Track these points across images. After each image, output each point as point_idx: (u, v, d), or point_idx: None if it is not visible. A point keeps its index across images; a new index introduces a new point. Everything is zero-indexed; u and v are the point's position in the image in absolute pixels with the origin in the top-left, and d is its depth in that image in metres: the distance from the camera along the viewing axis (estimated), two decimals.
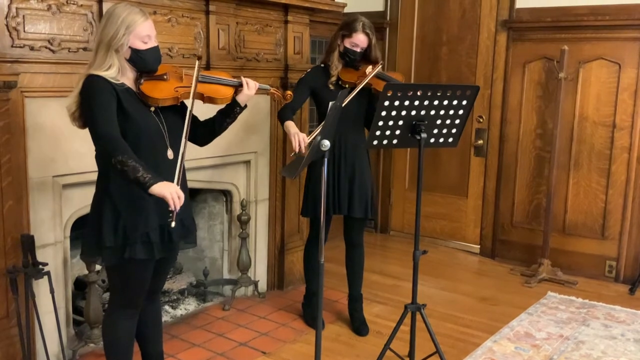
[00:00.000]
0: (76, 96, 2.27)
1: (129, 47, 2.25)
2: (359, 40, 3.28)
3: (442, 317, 3.76)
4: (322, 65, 3.43)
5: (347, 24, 3.31)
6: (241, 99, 2.51)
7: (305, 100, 3.49)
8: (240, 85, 2.52)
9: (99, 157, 2.34)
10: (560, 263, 4.55)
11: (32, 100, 2.74)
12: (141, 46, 2.27)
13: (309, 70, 3.51)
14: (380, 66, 3.29)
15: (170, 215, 2.13)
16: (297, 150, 3.05)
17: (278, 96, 2.76)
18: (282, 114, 3.30)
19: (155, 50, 2.32)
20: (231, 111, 2.52)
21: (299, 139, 3.06)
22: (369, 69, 3.29)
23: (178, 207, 2.13)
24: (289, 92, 2.83)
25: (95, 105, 2.19)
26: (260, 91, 2.61)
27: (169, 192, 2.11)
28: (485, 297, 4.16)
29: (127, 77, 2.31)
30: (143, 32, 2.26)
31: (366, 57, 3.35)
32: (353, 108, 3.24)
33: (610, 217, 4.46)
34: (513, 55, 4.75)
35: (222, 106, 2.54)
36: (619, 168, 4.40)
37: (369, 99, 3.35)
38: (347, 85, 3.28)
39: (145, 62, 2.30)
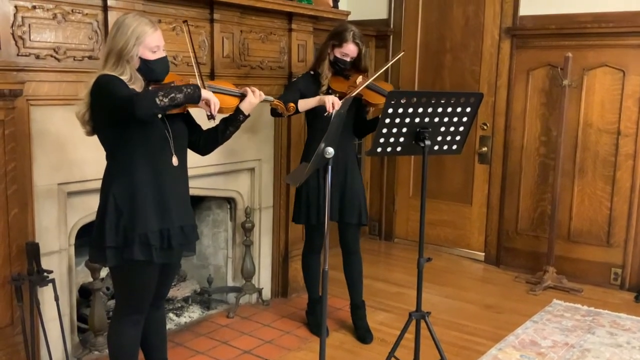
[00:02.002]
0: (86, 96, 2.29)
1: (139, 57, 2.29)
2: (349, 50, 3.29)
3: (446, 324, 3.75)
4: (312, 72, 3.44)
5: (337, 34, 3.32)
6: (245, 107, 2.53)
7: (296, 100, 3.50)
8: (245, 95, 2.54)
9: (109, 153, 2.36)
10: (565, 270, 4.54)
11: (38, 108, 2.75)
12: (150, 56, 2.31)
13: (299, 76, 3.53)
14: (371, 79, 3.27)
15: (211, 117, 2.38)
16: (331, 110, 3.07)
17: (281, 108, 2.79)
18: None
19: (163, 60, 2.36)
20: (235, 120, 2.54)
21: (332, 100, 3.09)
22: (360, 79, 3.31)
23: (216, 111, 2.37)
24: (291, 104, 2.86)
25: (112, 87, 2.22)
26: (263, 102, 2.64)
27: (213, 97, 2.34)
28: (490, 305, 4.15)
29: (137, 85, 2.34)
30: (152, 43, 2.30)
31: (356, 66, 3.36)
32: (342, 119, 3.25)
33: (615, 224, 4.44)
34: (517, 63, 4.75)
35: (226, 115, 2.56)
36: (623, 175, 4.39)
37: (357, 109, 3.36)
38: (337, 95, 3.29)
39: (153, 72, 2.34)
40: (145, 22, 2.30)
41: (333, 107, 3.08)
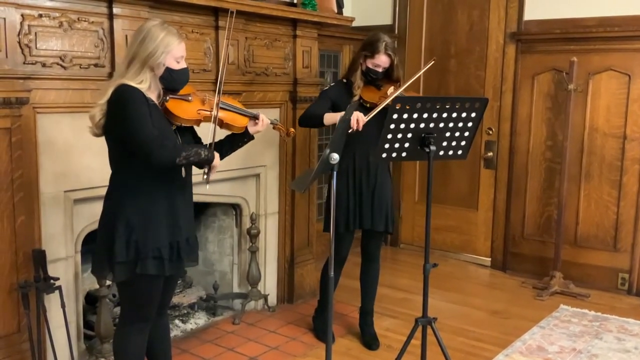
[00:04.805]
0: (103, 104, 2.28)
1: (164, 66, 2.30)
2: (381, 61, 3.28)
3: (453, 330, 3.74)
4: (345, 80, 3.44)
5: (370, 44, 3.30)
6: (252, 130, 2.59)
7: (326, 111, 3.49)
8: (255, 117, 2.58)
9: (120, 165, 2.35)
10: (572, 276, 4.52)
11: (44, 116, 2.77)
12: (175, 66, 2.33)
13: (332, 83, 3.53)
14: (402, 89, 3.23)
15: (206, 177, 2.41)
16: (355, 127, 3.05)
17: (283, 131, 2.83)
18: (313, 114, 3.33)
19: (186, 71, 2.39)
20: (241, 140, 2.60)
21: (357, 117, 3.05)
22: (391, 89, 3.29)
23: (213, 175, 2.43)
24: (292, 129, 2.89)
25: (134, 112, 2.22)
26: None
27: (219, 164, 2.43)
28: (496, 311, 4.13)
29: (154, 94, 2.34)
30: (178, 54, 2.33)
31: (389, 75, 3.35)
32: (374, 126, 3.23)
33: (622, 228, 4.43)
34: (522, 67, 4.75)
35: (231, 132, 2.59)
36: (630, 179, 4.37)
37: None
38: (368, 105, 3.27)
39: (175, 82, 2.36)
40: (174, 32, 2.33)
41: (357, 124, 3.04)
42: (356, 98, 3.32)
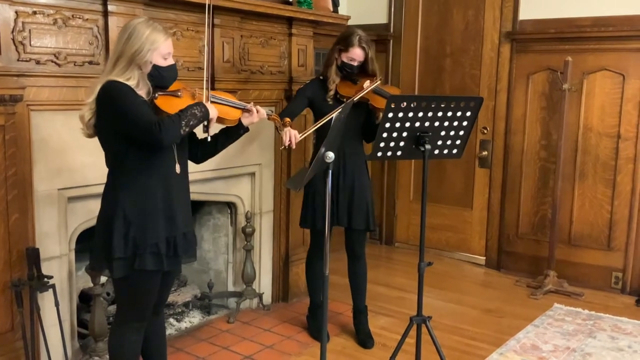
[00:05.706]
0: (92, 103, 2.27)
1: (152, 63, 2.29)
2: (356, 55, 3.29)
3: (447, 329, 3.74)
4: (321, 77, 3.44)
5: (344, 39, 3.32)
6: (246, 122, 2.57)
7: (302, 110, 3.49)
8: (247, 109, 2.57)
9: (115, 163, 2.35)
10: (566, 274, 4.53)
11: (38, 113, 2.75)
12: (162, 63, 2.32)
13: (308, 81, 3.53)
14: (378, 82, 3.27)
15: (207, 130, 2.44)
16: (287, 144, 3.04)
17: (278, 122, 2.84)
18: (280, 116, 3.34)
19: (174, 67, 2.38)
20: (235, 133, 2.58)
21: (290, 134, 3.04)
22: (367, 83, 3.30)
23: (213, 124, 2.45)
24: (287, 118, 2.89)
25: (127, 104, 2.22)
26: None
27: (214, 112, 2.43)
28: (491, 309, 4.14)
29: (143, 91, 2.33)
30: (165, 50, 2.31)
31: (364, 70, 3.35)
32: (350, 121, 3.24)
33: (616, 228, 4.44)
34: (517, 67, 4.76)
35: (226, 125, 2.58)
36: (624, 179, 4.39)
37: (366, 113, 3.36)
38: (345, 100, 3.27)
39: (164, 79, 2.35)
40: (159, 29, 2.31)
41: (290, 141, 3.04)
42: (331, 93, 3.34)
